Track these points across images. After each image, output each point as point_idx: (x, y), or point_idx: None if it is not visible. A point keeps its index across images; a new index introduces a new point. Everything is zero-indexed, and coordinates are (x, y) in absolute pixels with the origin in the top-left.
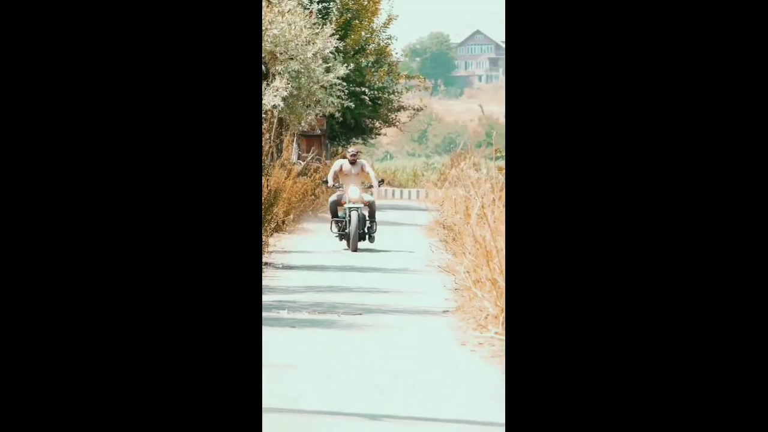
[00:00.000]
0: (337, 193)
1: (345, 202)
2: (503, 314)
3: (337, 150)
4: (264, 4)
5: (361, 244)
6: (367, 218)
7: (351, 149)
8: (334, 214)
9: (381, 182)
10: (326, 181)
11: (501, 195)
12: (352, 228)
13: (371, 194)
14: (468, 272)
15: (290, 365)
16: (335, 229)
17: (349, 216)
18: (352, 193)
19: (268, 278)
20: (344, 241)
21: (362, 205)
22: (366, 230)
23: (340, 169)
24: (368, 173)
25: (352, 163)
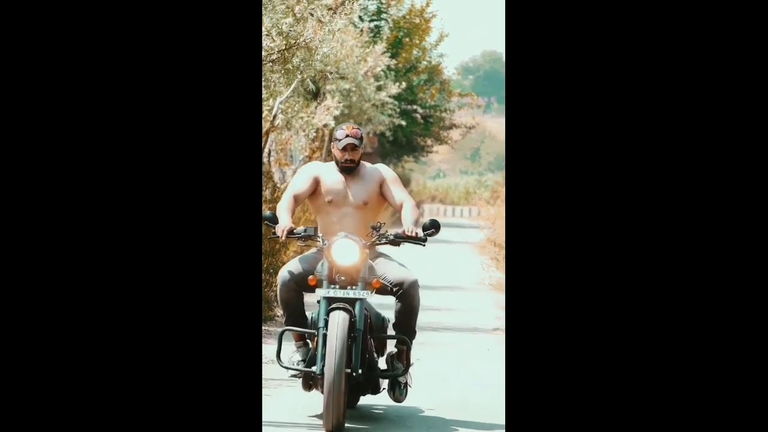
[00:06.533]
0: (302, 256)
1: (318, 281)
2: None
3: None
4: (314, 22)
5: (371, 400)
6: (389, 327)
7: (343, 126)
8: (293, 314)
9: (433, 229)
10: (268, 218)
11: None
12: (331, 358)
13: (400, 264)
14: None
15: None
16: (292, 357)
17: (325, 324)
18: (341, 252)
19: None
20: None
21: (366, 293)
22: (380, 368)
23: (315, 186)
24: (397, 199)
25: (347, 166)
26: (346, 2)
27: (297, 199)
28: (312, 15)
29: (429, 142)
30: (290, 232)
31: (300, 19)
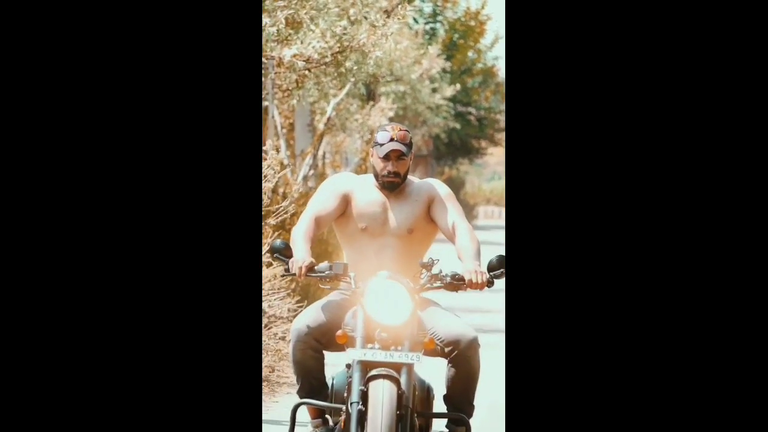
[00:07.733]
0: (325, 302)
1: (347, 339)
2: None
3: (443, 170)
4: (368, 26)
5: None
6: (433, 398)
7: (387, 127)
8: (309, 380)
9: (502, 269)
10: (278, 250)
11: None
12: None
13: (452, 313)
14: None
15: None
16: None
17: (362, 397)
18: (385, 303)
19: None
20: None
21: (416, 356)
22: None
23: (344, 206)
24: (449, 221)
25: (389, 181)
26: (400, 6)
27: (319, 224)
28: (366, 18)
29: (484, 144)
30: (310, 269)
31: (354, 22)
